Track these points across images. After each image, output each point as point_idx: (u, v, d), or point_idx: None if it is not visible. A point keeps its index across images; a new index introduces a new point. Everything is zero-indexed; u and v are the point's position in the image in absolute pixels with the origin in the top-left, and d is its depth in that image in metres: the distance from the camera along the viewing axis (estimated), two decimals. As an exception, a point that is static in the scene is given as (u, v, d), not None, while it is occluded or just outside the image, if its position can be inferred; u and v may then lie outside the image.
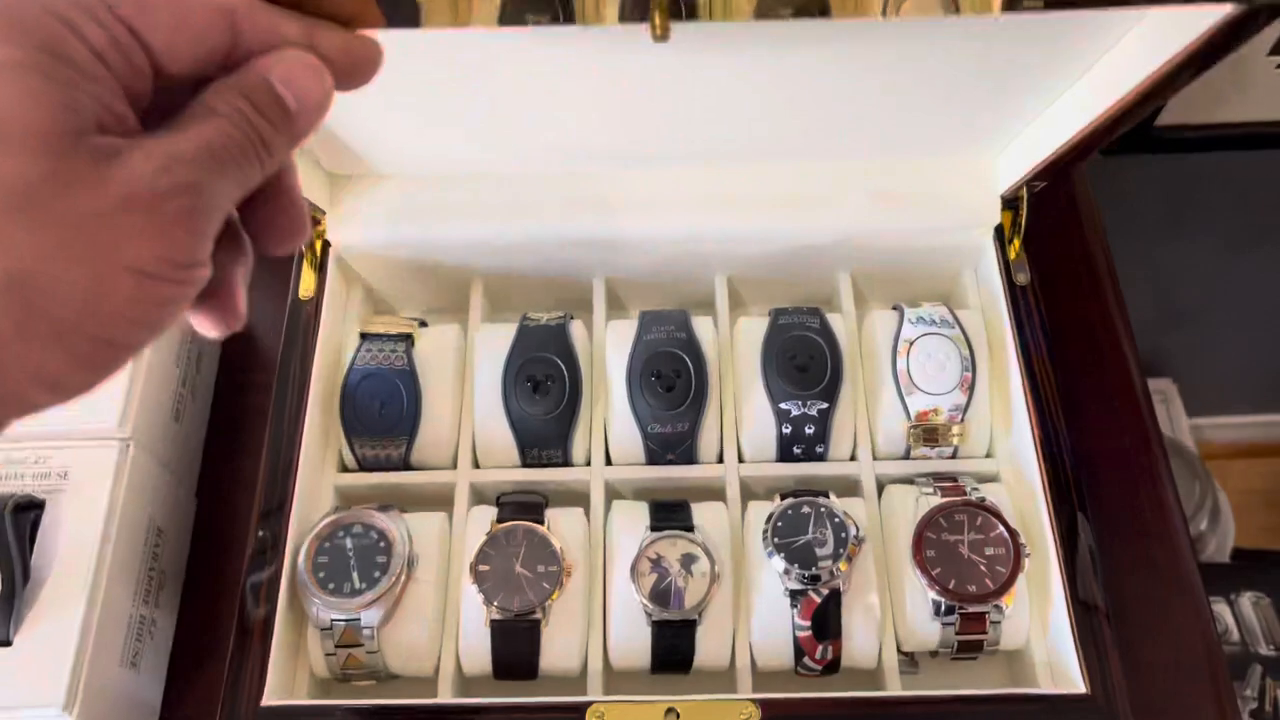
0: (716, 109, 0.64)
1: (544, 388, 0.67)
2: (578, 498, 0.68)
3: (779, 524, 0.62)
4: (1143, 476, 0.73)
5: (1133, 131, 1.15)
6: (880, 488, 0.67)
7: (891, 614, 0.63)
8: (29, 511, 0.61)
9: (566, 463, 0.68)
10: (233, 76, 0.32)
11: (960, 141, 0.69)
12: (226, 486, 0.74)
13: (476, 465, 0.68)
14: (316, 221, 0.72)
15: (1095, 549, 0.61)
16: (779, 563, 0.61)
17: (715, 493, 0.67)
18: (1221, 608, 1.24)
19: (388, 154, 0.70)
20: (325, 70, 0.33)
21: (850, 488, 0.68)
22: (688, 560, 0.62)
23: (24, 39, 0.28)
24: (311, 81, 0.33)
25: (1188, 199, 1.24)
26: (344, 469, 0.69)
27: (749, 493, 0.68)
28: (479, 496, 0.69)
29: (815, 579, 0.60)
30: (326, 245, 0.72)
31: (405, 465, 0.68)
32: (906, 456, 0.68)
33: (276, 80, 0.32)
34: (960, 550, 0.61)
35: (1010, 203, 0.71)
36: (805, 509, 0.63)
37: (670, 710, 0.57)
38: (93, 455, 0.63)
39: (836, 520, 0.62)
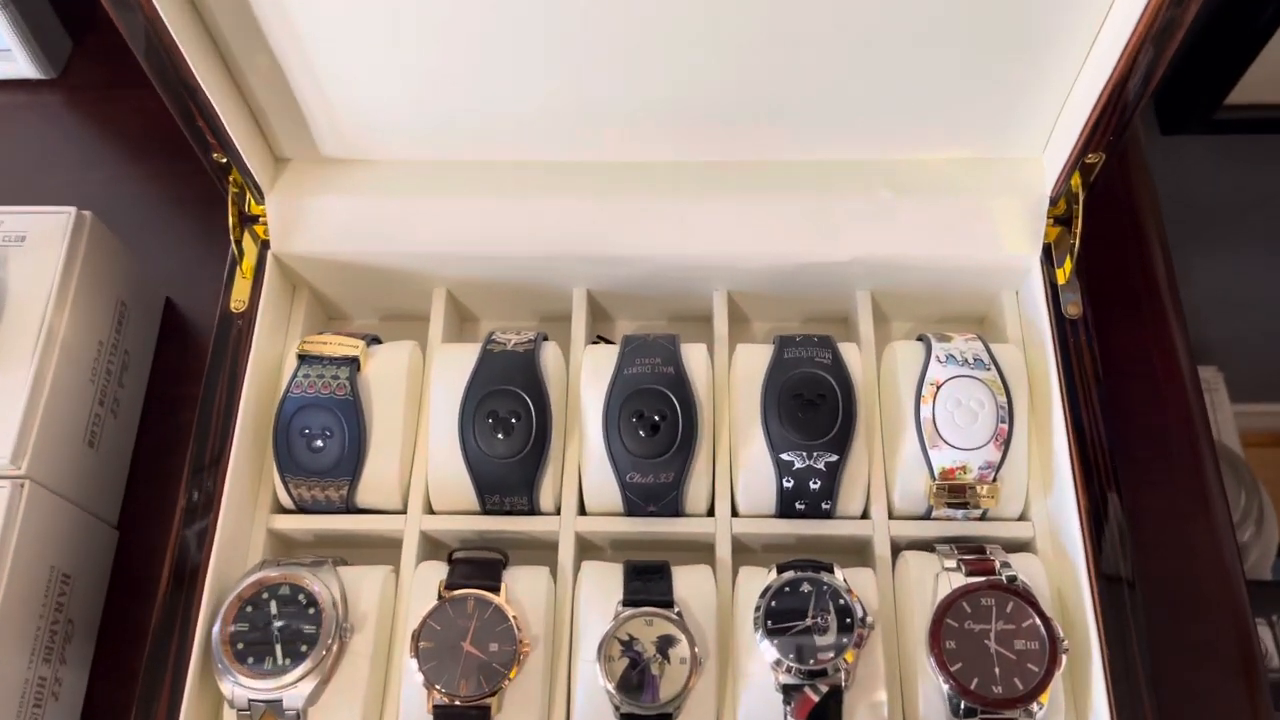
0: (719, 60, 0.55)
1: (507, 426, 0.57)
2: (545, 550, 0.59)
3: (773, 603, 0.53)
4: (1201, 546, 0.63)
5: (1193, 109, 1.06)
6: (895, 551, 0.58)
7: (902, 710, 0.54)
8: (-98, 566, 0.52)
9: (533, 510, 0.59)
10: None
11: (995, 124, 0.59)
12: (152, 517, 0.65)
13: (430, 510, 0.59)
14: (255, 218, 0.62)
15: (1147, 647, 0.52)
16: (771, 651, 0.52)
17: (703, 548, 0.58)
18: (1263, 629, 1.15)
19: (340, 126, 0.61)
20: None
21: (859, 549, 0.59)
22: (665, 643, 0.53)
23: None
24: None
25: (1246, 182, 1.14)
26: (280, 509, 0.60)
27: (742, 549, 0.59)
28: (431, 545, 0.60)
29: (814, 674, 0.51)
30: (265, 247, 0.62)
31: (348, 508, 0.59)
32: (927, 516, 0.58)
33: None
34: (985, 643, 0.52)
35: (1061, 218, 0.60)
36: (805, 586, 0.53)
37: (636, 831, 0.48)
38: (-22, 499, 0.54)
39: (841, 602, 0.53)
